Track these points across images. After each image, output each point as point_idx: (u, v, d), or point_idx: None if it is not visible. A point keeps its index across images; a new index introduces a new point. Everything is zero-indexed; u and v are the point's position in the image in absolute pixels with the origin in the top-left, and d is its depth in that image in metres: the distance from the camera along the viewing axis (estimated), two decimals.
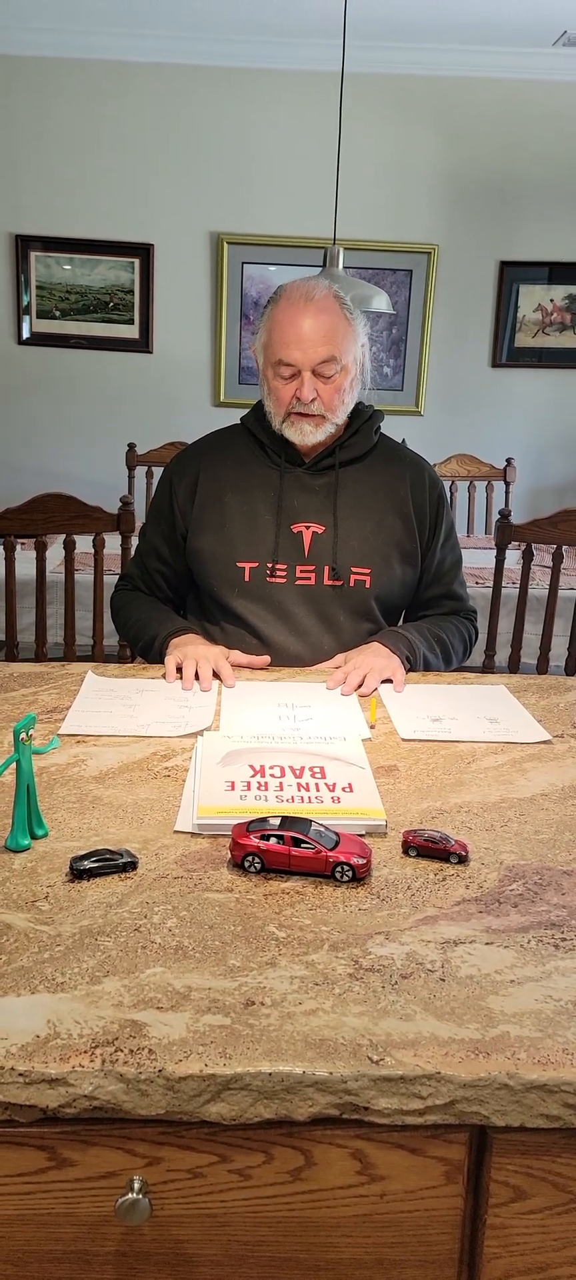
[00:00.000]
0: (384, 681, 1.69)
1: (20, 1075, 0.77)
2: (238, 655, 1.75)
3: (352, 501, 1.83)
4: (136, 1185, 0.81)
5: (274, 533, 1.80)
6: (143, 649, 1.86)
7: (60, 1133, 0.81)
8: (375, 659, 1.71)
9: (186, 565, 1.90)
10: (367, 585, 1.80)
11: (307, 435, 1.78)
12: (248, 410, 1.92)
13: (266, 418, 1.83)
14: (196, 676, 1.66)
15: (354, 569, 1.80)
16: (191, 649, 1.72)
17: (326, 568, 1.80)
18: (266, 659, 1.76)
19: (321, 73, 4.29)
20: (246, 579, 1.80)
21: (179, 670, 1.68)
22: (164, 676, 1.69)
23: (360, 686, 1.65)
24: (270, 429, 1.83)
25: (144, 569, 1.95)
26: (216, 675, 1.68)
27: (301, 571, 1.80)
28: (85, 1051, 0.79)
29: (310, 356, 1.71)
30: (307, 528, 1.81)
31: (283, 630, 1.80)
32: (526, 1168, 0.83)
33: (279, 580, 1.80)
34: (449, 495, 4.06)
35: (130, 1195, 0.81)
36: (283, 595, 1.80)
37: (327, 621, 1.80)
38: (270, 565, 1.79)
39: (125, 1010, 0.84)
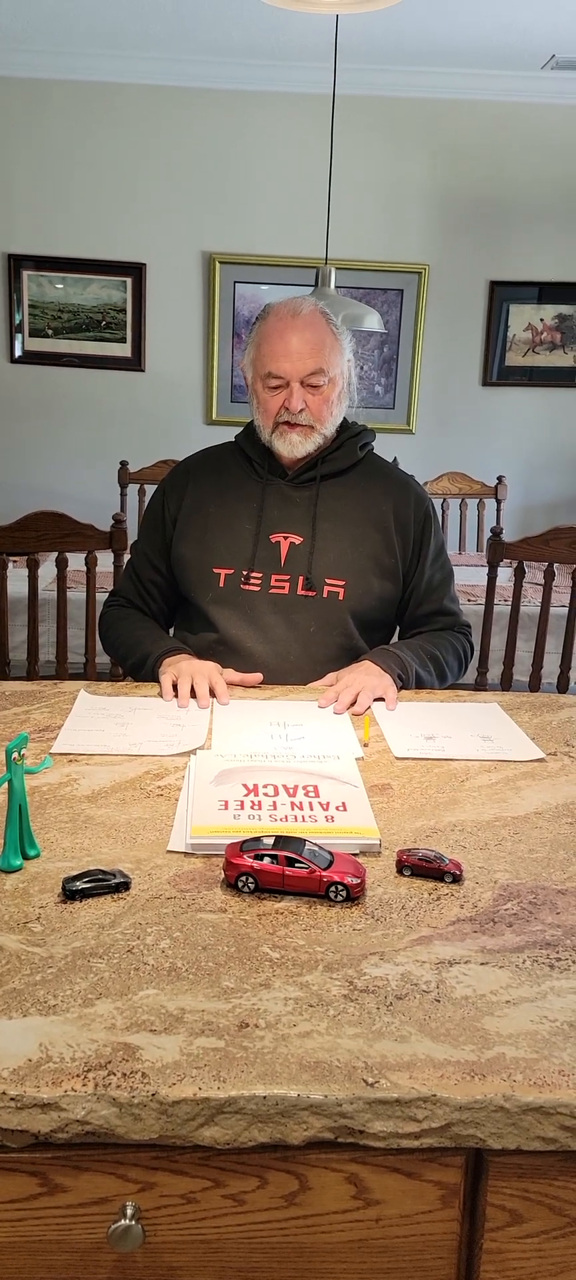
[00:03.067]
0: (376, 700, 1.69)
1: (12, 1100, 0.76)
2: (230, 673, 1.75)
3: (332, 514, 1.85)
4: (129, 1211, 0.80)
5: (252, 541, 1.82)
6: (133, 667, 1.87)
7: (52, 1158, 0.80)
8: (367, 678, 1.71)
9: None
10: (341, 597, 1.81)
11: (296, 446, 1.80)
12: (241, 428, 1.95)
13: (256, 433, 1.87)
14: (192, 694, 1.66)
15: (328, 580, 1.81)
16: (185, 665, 1.72)
17: (300, 577, 1.81)
18: (258, 676, 1.76)
19: (313, 95, 4.32)
20: (220, 585, 1.82)
21: (174, 688, 1.68)
22: (160, 695, 1.69)
23: (353, 705, 1.65)
24: (258, 444, 1.87)
25: (137, 580, 1.96)
26: (211, 692, 1.67)
27: (276, 580, 1.81)
28: (78, 1075, 0.78)
29: (298, 368, 1.75)
30: (286, 538, 1.83)
31: (251, 636, 1.80)
32: (523, 1191, 0.82)
33: (252, 588, 1.81)
34: (440, 513, 4.07)
35: (123, 1221, 0.80)
36: (254, 602, 1.81)
37: (297, 631, 1.81)
38: (245, 573, 1.81)
39: (118, 1033, 0.83)
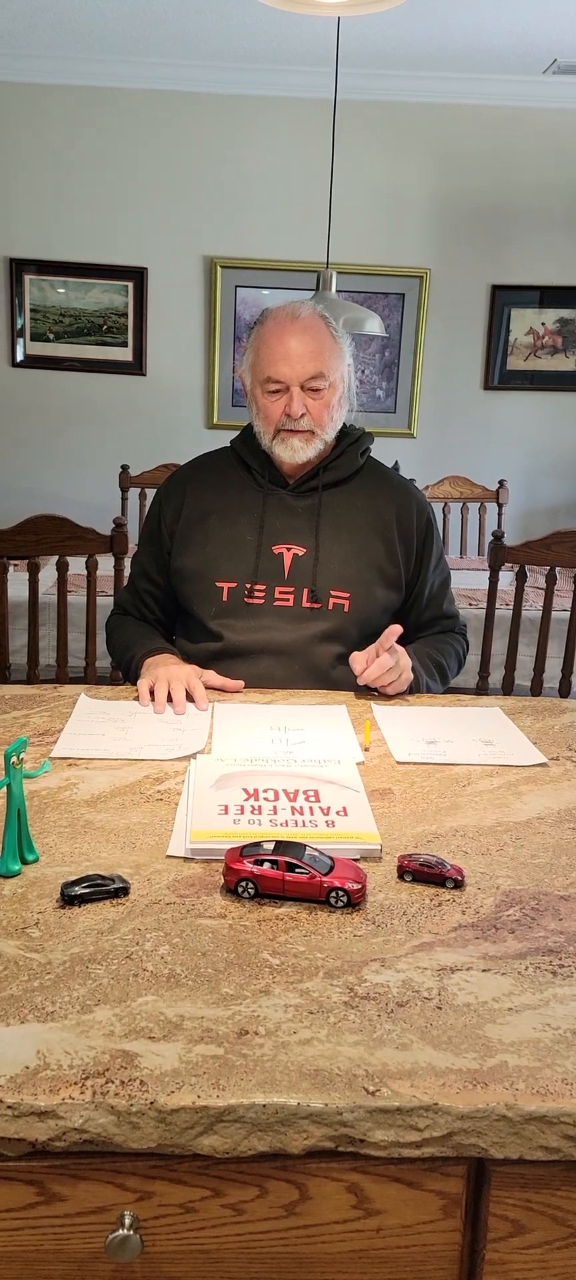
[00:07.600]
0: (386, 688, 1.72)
1: (9, 1108, 0.75)
2: (211, 676, 1.73)
3: (335, 524, 1.83)
4: (127, 1221, 0.80)
5: (255, 553, 1.80)
6: (125, 670, 1.86)
7: (49, 1167, 0.79)
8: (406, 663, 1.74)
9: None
10: (346, 609, 1.80)
11: (298, 452, 1.78)
12: (237, 433, 1.93)
13: (254, 440, 1.84)
14: (170, 699, 1.65)
15: (333, 592, 1.80)
16: (163, 670, 1.70)
17: (305, 589, 1.79)
18: (240, 683, 1.74)
19: (315, 99, 4.33)
20: (224, 599, 1.80)
21: (152, 693, 1.66)
22: (136, 699, 1.67)
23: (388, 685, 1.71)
24: (257, 451, 1.85)
25: (135, 592, 1.95)
26: (189, 697, 1.66)
27: (280, 593, 1.80)
28: (75, 1083, 0.77)
29: (298, 372, 1.73)
30: (289, 549, 1.81)
31: (256, 648, 1.79)
32: (525, 1201, 0.81)
33: (256, 601, 1.79)
34: (441, 517, 4.07)
35: (121, 1231, 0.79)
36: (259, 615, 1.79)
37: (302, 642, 1.79)
38: (248, 585, 1.79)
39: (116, 1040, 0.82)
